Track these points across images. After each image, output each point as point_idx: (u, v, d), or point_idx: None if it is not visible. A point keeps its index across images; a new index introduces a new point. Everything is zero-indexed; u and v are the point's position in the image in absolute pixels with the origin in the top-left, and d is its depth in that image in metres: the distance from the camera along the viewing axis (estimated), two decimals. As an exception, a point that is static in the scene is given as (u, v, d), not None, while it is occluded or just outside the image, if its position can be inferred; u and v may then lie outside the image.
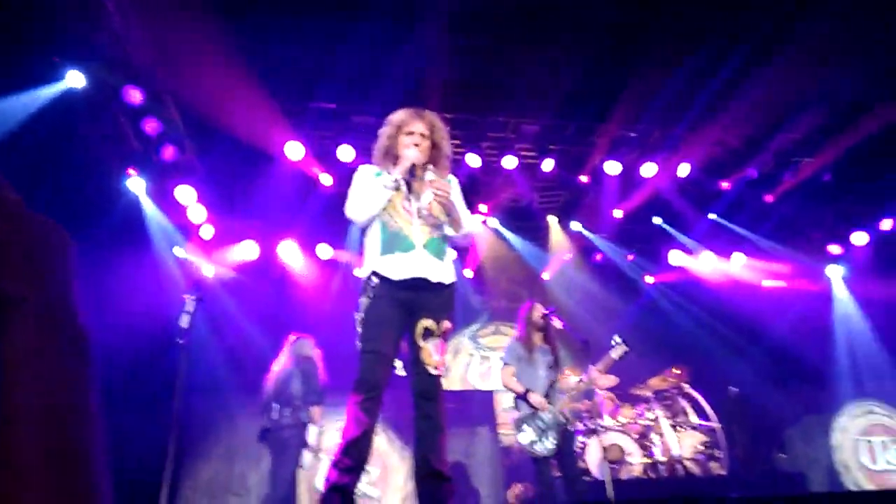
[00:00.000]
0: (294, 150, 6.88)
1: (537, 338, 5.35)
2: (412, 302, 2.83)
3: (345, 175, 7.18)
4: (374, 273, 2.85)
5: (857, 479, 7.78)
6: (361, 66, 5.89)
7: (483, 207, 8.70)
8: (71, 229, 0.74)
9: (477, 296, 9.97)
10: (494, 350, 9.60)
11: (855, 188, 8.31)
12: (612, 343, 5.31)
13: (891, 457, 7.95)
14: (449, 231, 3.07)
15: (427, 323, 2.82)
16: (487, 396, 7.88)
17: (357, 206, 2.99)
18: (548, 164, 7.67)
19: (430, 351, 2.81)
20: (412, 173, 3.08)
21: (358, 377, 2.71)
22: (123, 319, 5.99)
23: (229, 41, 5.31)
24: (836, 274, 9.52)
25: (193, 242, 7.37)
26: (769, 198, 8.43)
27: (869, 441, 8.04)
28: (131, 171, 6.49)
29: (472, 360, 9.82)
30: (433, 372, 2.81)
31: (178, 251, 7.30)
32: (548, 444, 4.94)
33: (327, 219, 7.68)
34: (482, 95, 6.56)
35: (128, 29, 5.30)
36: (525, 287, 9.62)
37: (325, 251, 8.47)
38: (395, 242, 2.89)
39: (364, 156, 7.20)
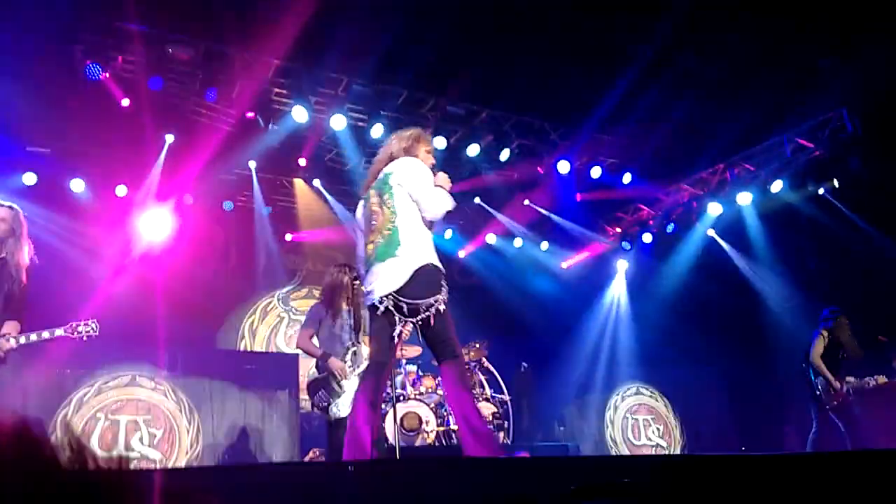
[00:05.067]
0: (93, 71, 6.08)
1: (343, 302, 5.23)
2: None
3: (157, 107, 6.59)
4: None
5: (622, 453, 8.68)
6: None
7: (302, 161, 8.35)
8: None
9: (291, 256, 9.64)
10: (305, 313, 9.34)
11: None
12: None
13: (651, 434, 8.97)
14: None
15: None
16: (292, 360, 7.67)
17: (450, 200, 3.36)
18: (377, 130, 7.54)
19: None
20: None
21: None
22: None
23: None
24: (622, 267, 10.43)
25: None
26: (578, 196, 9.14)
27: (635, 419, 9.00)
28: None
29: (281, 323, 9.52)
30: None
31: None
32: (341, 409, 4.89)
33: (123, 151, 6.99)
34: (315, 44, 6.23)
35: None
36: (342, 252, 9.46)
37: (120, 189, 7.70)
38: None
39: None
